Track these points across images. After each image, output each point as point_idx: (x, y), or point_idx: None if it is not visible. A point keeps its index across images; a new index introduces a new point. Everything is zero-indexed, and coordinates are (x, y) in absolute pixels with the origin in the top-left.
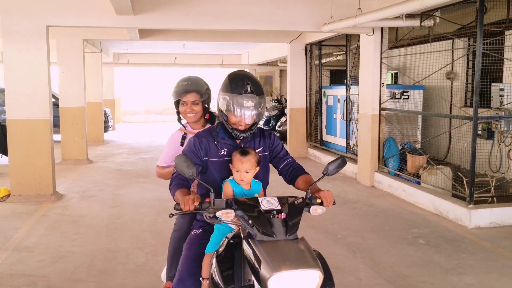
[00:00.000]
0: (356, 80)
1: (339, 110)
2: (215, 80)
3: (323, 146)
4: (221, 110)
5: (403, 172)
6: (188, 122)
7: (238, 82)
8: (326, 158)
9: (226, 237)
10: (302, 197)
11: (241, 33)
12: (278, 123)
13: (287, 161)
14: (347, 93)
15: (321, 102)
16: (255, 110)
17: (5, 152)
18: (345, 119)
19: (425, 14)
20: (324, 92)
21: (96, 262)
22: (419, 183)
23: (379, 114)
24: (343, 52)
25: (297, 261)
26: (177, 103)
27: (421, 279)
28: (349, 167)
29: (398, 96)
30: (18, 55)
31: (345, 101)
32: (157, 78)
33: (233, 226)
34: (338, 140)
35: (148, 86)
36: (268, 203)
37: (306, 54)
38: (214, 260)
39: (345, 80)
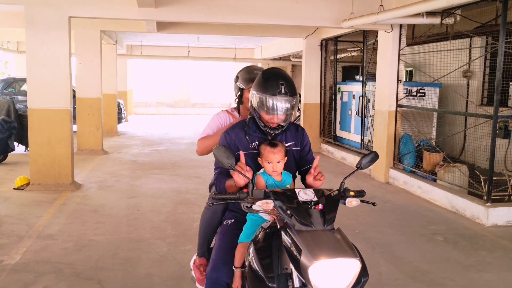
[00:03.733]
0: (371, 77)
1: (354, 106)
2: (227, 74)
3: (337, 141)
4: (254, 108)
5: (418, 169)
6: (242, 109)
7: (273, 82)
8: (339, 154)
9: (262, 227)
10: (338, 190)
11: (257, 27)
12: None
13: (310, 165)
14: (363, 89)
15: (335, 98)
16: (288, 111)
17: (21, 142)
18: (360, 115)
19: (446, 12)
20: (339, 87)
21: (119, 251)
22: (435, 180)
23: (396, 110)
24: (358, 48)
25: (336, 250)
26: (242, 89)
27: (441, 275)
28: None
29: (414, 93)
30: (41, 46)
31: (361, 97)
32: (169, 71)
33: (266, 216)
34: (352, 136)
35: (160, 78)
36: (305, 195)
37: (321, 49)
38: (251, 249)
39: (358, 76)
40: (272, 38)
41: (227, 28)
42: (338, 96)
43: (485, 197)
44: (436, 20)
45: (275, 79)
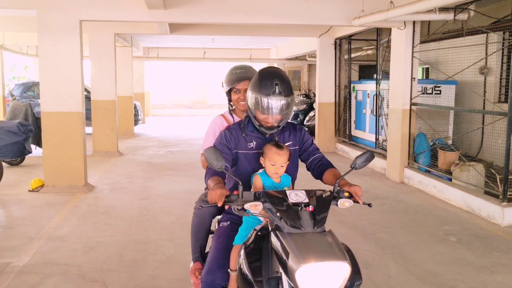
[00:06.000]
0: (386, 75)
1: (369, 105)
2: None
3: (352, 141)
4: (249, 107)
5: (434, 168)
6: (235, 111)
7: (267, 82)
8: (355, 153)
9: (254, 229)
10: (330, 191)
11: (270, 27)
12: (307, 118)
13: (316, 155)
14: (377, 88)
15: (350, 97)
16: (283, 111)
17: (39, 144)
18: (374, 114)
19: (459, 8)
20: (354, 86)
21: (127, 252)
22: (450, 179)
23: (410, 109)
24: (373, 47)
25: (325, 253)
26: (229, 92)
27: (452, 277)
28: (378, 163)
29: (429, 91)
30: (53, 49)
31: (375, 96)
32: (186, 72)
33: (261, 218)
34: (367, 135)
35: (177, 80)
36: (296, 196)
37: (335, 48)
38: (242, 252)
39: (375, 75)
40: (287, 38)
41: (241, 28)
42: (353, 95)
43: (501, 196)
44: (450, 16)
45: (270, 78)
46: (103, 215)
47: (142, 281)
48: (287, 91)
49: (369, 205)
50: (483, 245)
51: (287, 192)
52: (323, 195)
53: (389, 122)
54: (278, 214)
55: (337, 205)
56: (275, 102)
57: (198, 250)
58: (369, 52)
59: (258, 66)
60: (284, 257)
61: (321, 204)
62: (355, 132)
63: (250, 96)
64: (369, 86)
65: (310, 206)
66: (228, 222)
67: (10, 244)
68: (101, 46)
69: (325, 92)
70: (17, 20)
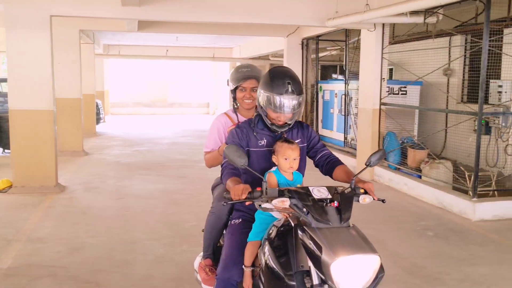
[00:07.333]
0: (354, 75)
1: (337, 105)
2: (206, 73)
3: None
4: (261, 106)
5: (403, 166)
6: (238, 109)
7: (279, 81)
8: None
9: (275, 226)
10: (350, 187)
11: (238, 26)
12: None
13: (324, 152)
14: (345, 87)
15: (317, 97)
16: (294, 110)
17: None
18: (342, 113)
19: (429, 11)
20: (321, 86)
21: (115, 253)
22: (420, 176)
23: (380, 109)
24: (338, 47)
25: (356, 246)
26: (234, 90)
27: (437, 269)
28: (347, 161)
29: (396, 92)
30: (22, 46)
31: (343, 96)
32: (146, 70)
33: (276, 215)
34: (334, 134)
35: (138, 78)
36: (319, 192)
37: (302, 48)
38: (267, 248)
39: (335, 75)
40: (251, 37)
41: (208, 27)
42: (320, 94)
43: (471, 192)
44: (420, 19)
45: (281, 78)
46: (82, 216)
47: (136, 281)
48: (299, 90)
49: (383, 201)
50: (459, 239)
51: (310, 188)
52: (345, 191)
53: (358, 121)
54: (304, 209)
55: (358, 201)
56: (288, 101)
57: (211, 247)
58: (333, 52)
59: (221, 65)
60: (317, 251)
61: (345, 200)
62: (322, 131)
63: (262, 94)
64: (337, 86)
65: (335, 202)
66: (240, 220)
67: None
68: (66, 43)
69: None
70: None
